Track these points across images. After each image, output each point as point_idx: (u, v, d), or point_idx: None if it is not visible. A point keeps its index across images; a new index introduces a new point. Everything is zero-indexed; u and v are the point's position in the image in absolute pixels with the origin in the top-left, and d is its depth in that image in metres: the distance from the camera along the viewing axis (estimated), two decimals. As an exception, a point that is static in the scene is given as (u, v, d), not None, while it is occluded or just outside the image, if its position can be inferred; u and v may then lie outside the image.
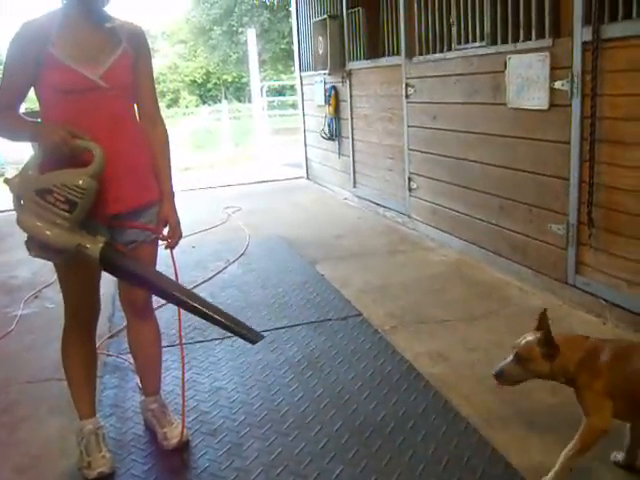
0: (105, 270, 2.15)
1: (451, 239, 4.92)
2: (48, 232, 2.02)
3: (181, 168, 10.26)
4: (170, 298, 2.17)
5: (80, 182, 1.99)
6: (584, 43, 3.34)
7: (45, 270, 4.80)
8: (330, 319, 3.65)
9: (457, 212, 4.80)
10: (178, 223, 2.38)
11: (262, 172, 9.75)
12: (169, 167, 2.38)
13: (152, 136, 2.33)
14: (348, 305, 3.85)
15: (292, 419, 2.62)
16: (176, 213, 2.38)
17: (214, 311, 2.10)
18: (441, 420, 2.54)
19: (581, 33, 3.35)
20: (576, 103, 3.44)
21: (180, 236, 2.41)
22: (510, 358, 2.10)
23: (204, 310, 2.08)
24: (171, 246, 2.38)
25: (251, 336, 2.13)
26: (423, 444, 2.39)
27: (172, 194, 2.38)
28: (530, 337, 2.08)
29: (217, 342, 3.44)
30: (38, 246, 2.07)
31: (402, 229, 5.67)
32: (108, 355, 3.33)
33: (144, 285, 2.22)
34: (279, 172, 9.58)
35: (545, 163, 3.78)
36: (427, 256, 4.82)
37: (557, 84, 3.56)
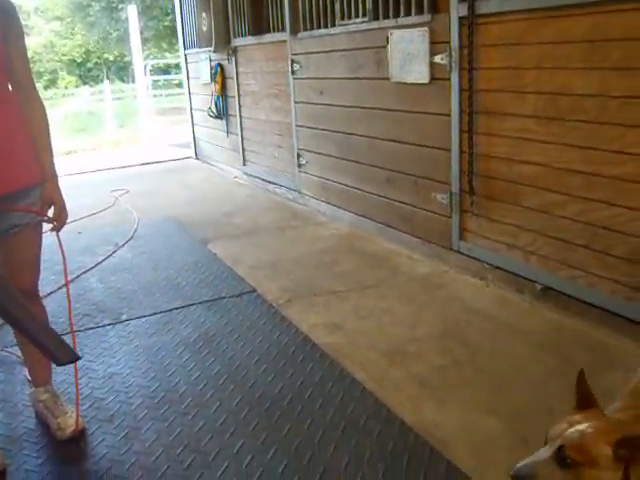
0: None
1: (342, 213, 5.01)
2: None
3: (63, 152, 9.81)
4: (6, 316, 1.99)
5: None
6: (460, 18, 3.46)
7: None
8: (224, 297, 3.64)
9: (346, 186, 4.89)
10: (64, 204, 2.29)
11: (149, 154, 9.50)
12: (50, 146, 2.28)
13: (29, 113, 2.22)
14: (241, 282, 3.85)
15: (190, 398, 2.61)
16: (61, 194, 2.29)
17: (34, 325, 1.97)
18: (337, 387, 2.60)
19: (457, 9, 3.47)
20: (455, 76, 3.58)
21: (66, 218, 2.32)
22: (547, 453, 1.34)
23: (22, 322, 1.95)
24: (57, 229, 2.30)
25: (59, 354, 1.98)
26: (321, 411, 2.45)
27: (55, 174, 2.29)
28: (584, 426, 1.33)
29: (109, 327, 3.35)
30: None
31: (293, 205, 5.71)
32: (-8, 350, 3.18)
33: None
34: (166, 153, 9.37)
35: (428, 135, 3.91)
36: (318, 231, 4.89)
37: (437, 58, 3.68)
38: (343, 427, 2.34)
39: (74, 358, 2.02)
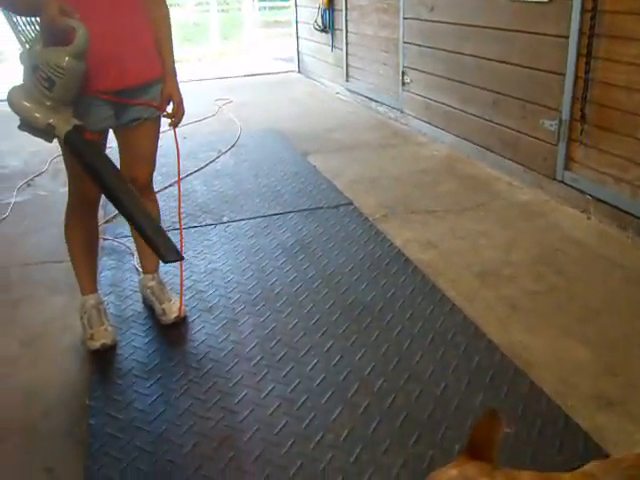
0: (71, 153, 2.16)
1: (443, 134, 4.93)
2: (26, 104, 2.04)
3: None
4: (114, 201, 2.12)
5: (60, 61, 1.98)
6: None
7: (36, 159, 4.80)
8: (322, 207, 3.72)
9: (450, 107, 4.79)
10: (182, 100, 2.40)
11: (253, 66, 9.54)
12: (171, 46, 2.37)
13: (155, 13, 2.30)
14: (340, 195, 3.91)
15: (285, 297, 2.73)
16: (179, 90, 2.38)
17: (144, 220, 2.09)
18: (428, 301, 2.65)
19: None
20: (577, -6, 3.38)
21: (183, 113, 2.42)
22: None
23: (134, 216, 2.09)
24: (175, 124, 2.42)
25: (168, 253, 2.07)
26: (410, 322, 2.51)
27: (175, 72, 2.38)
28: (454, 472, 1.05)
29: (211, 227, 3.51)
30: (24, 122, 2.09)
31: (394, 124, 5.66)
32: (104, 239, 3.39)
33: (95, 180, 2.12)
34: (270, 66, 9.38)
35: (541, 58, 3.75)
36: (418, 150, 4.84)
37: (559, -26, 3.48)
38: (431, 338, 2.40)
39: (178, 257, 2.12)
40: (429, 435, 1.91)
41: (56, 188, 4.27)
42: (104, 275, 3.00)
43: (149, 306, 2.68)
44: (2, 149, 5.19)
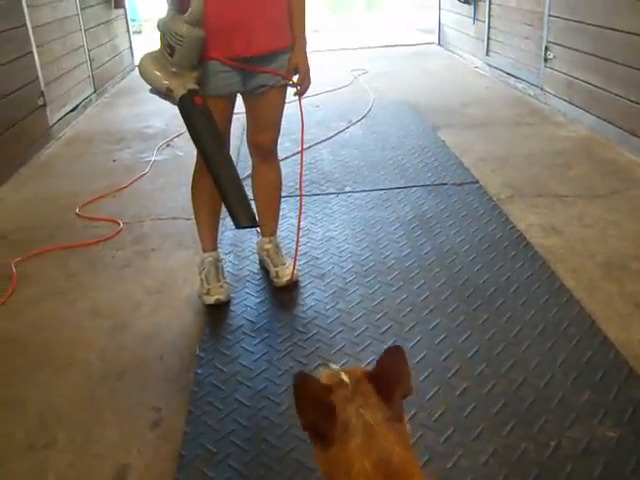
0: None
1: (584, 115, 4.65)
2: (153, 71, 2.19)
3: (312, 29, 10.11)
4: (207, 160, 2.23)
5: (177, 28, 2.09)
6: None
7: (177, 121, 5.03)
8: (446, 183, 3.65)
9: (594, 86, 4.50)
10: (308, 70, 2.41)
11: (393, 37, 9.43)
12: (303, 16, 2.38)
13: None
14: (466, 172, 3.82)
15: (397, 272, 2.73)
16: (307, 61, 2.40)
17: (230, 185, 2.19)
18: (544, 289, 2.55)
19: None
20: None
21: (309, 84, 2.45)
22: None
23: (220, 178, 2.19)
24: (300, 93, 2.44)
25: (243, 218, 2.18)
26: (522, 309, 2.43)
27: (304, 41, 2.39)
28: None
29: (333, 196, 3.56)
30: (150, 85, 2.24)
31: (533, 102, 5.41)
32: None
33: (194, 140, 2.25)
34: (411, 37, 9.25)
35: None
36: (555, 131, 4.61)
37: None
38: (542, 328, 2.32)
39: (253, 224, 2.22)
40: (525, 427, 1.86)
41: (192, 150, 4.43)
42: (226, 235, 3.13)
43: (264, 268, 2.77)
44: (148, 110, 5.51)
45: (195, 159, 2.51)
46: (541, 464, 1.73)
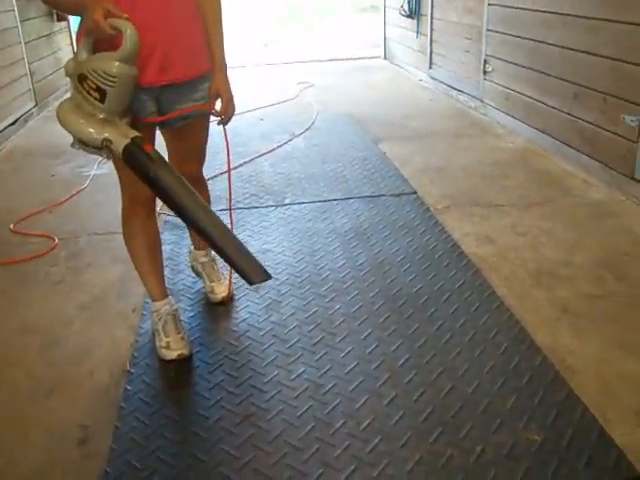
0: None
1: (521, 127, 4.77)
2: (77, 119, 1.90)
3: (262, 43, 10.16)
4: (189, 220, 2.02)
5: (109, 68, 1.82)
6: None
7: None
8: (384, 195, 3.69)
9: (530, 98, 4.62)
10: (231, 97, 2.17)
11: (339, 50, 9.53)
12: (221, 35, 2.14)
13: (204, 1, 2.09)
14: (404, 183, 3.86)
15: (331, 283, 2.73)
16: (229, 86, 2.17)
17: (226, 242, 1.94)
18: (475, 297, 2.59)
19: None
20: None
21: (233, 111, 2.20)
22: None
23: (214, 239, 1.94)
24: (224, 122, 2.21)
25: (253, 275, 1.94)
26: (453, 317, 2.46)
27: (225, 66, 2.16)
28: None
29: (272, 209, 3.56)
30: (76, 139, 1.95)
31: (473, 114, 5.52)
32: (167, 214, 3.49)
33: (164, 198, 1.97)
34: (358, 51, 9.35)
35: (629, 49, 3.55)
36: (494, 142, 4.71)
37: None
38: (472, 335, 2.35)
39: (267, 277, 1.97)
40: (451, 433, 1.87)
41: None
42: (163, 249, 3.08)
43: (200, 279, 2.74)
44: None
45: (120, 193, 2.23)
46: (466, 469, 1.75)
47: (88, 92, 1.85)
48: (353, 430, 1.90)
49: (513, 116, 4.90)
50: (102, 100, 1.85)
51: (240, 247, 1.98)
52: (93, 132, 1.88)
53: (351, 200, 3.61)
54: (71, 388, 2.19)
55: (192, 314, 2.56)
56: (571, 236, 3.12)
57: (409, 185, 3.82)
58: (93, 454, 1.90)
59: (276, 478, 1.75)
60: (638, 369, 2.17)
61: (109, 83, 1.83)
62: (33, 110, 5.96)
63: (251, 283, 2.01)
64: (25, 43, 5.89)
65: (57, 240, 3.27)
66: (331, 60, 8.67)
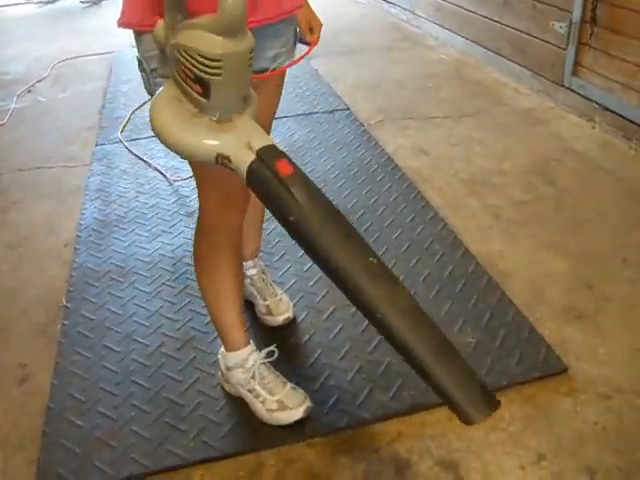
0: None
1: (454, 37, 4.72)
2: (181, 132, 1.17)
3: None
4: (362, 306, 1.14)
5: (207, 49, 1.08)
6: None
7: (39, 65, 4.74)
8: (317, 112, 3.63)
9: (461, 8, 4.56)
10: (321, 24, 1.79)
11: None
12: None
13: None
14: (337, 99, 3.80)
15: (267, 204, 2.71)
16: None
17: (430, 353, 1.11)
18: (410, 209, 2.61)
19: None
20: None
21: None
22: None
23: (406, 344, 1.13)
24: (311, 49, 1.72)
25: (472, 409, 1.05)
26: (389, 229, 2.48)
27: None
28: None
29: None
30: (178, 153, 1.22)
31: (406, 26, 5.43)
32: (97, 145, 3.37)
33: (315, 257, 1.15)
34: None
35: (555, -48, 3.52)
36: (427, 54, 4.66)
37: None
38: (407, 246, 2.38)
39: (494, 409, 1.07)
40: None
41: (55, 94, 4.25)
42: (92, 181, 3.01)
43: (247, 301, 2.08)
44: (7, 54, 5.13)
45: (197, 193, 1.58)
46: (404, 374, 1.80)
47: (185, 82, 1.15)
48: (294, 345, 1.92)
49: (446, 27, 4.84)
50: (206, 95, 1.14)
51: (466, 373, 1.10)
52: (204, 147, 1.17)
53: (284, 119, 3.54)
54: (5, 330, 2.15)
55: (126, 244, 2.51)
56: (503, 144, 3.16)
57: (342, 101, 3.77)
58: (34, 391, 1.89)
59: (221, 398, 1.78)
60: (565, 268, 2.25)
61: (211, 71, 1.11)
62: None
63: (468, 422, 1.08)
64: None
65: (-21, 179, 3.14)
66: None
